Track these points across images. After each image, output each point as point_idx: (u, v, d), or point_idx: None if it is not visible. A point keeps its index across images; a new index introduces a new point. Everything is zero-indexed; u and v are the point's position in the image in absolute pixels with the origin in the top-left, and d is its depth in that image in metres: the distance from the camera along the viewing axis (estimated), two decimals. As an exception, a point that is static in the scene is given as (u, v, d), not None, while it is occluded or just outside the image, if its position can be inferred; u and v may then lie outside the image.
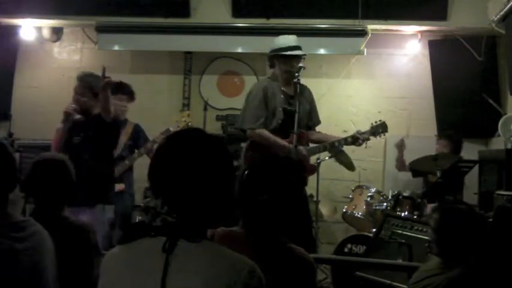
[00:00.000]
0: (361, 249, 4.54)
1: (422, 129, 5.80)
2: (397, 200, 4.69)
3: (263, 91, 4.13)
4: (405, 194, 4.71)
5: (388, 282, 3.27)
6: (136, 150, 4.76)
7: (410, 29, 5.59)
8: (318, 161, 5.02)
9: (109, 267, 1.46)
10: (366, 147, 4.38)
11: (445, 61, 5.63)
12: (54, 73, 6.29)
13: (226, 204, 1.50)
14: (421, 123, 5.85)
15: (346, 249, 4.64)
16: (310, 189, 5.13)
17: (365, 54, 5.54)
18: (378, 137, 4.37)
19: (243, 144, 4.43)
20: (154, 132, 4.82)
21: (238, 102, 6.08)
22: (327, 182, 5.77)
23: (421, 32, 5.63)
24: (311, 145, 4.33)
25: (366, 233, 4.68)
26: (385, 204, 4.76)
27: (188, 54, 6.16)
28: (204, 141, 1.50)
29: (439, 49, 5.68)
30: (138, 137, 4.87)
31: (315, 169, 4.61)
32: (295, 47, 4.10)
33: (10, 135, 5.48)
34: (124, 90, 4.81)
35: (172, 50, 6.06)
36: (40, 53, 6.34)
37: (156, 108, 6.00)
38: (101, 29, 5.73)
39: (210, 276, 1.34)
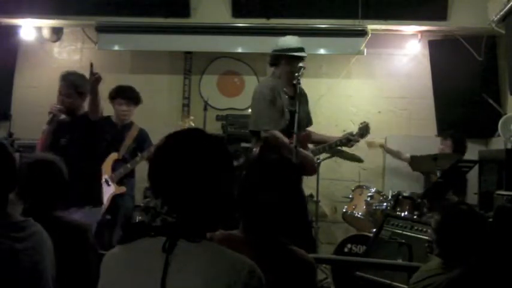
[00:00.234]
0: (361, 249, 4.53)
1: (422, 129, 5.80)
2: (397, 200, 4.69)
3: (272, 91, 4.12)
4: (405, 194, 4.71)
5: (388, 282, 3.27)
6: (139, 154, 4.70)
7: (410, 29, 5.59)
8: (318, 161, 5.03)
9: (109, 267, 1.46)
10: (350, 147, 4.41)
11: (445, 61, 5.63)
12: (54, 73, 6.21)
13: (226, 204, 1.50)
14: (421, 123, 5.85)
15: (346, 249, 4.64)
16: (310, 189, 5.14)
17: (365, 54, 5.55)
18: (364, 139, 4.42)
19: (248, 144, 4.43)
20: (154, 132, 4.81)
21: (238, 102, 6.11)
22: (327, 182, 5.77)
23: (421, 32, 5.63)
24: (311, 146, 4.35)
25: (366, 233, 4.68)
26: (385, 204, 4.76)
27: (188, 54, 6.16)
28: (204, 141, 1.50)
29: (439, 49, 5.68)
30: (143, 140, 4.81)
31: (315, 170, 4.60)
32: (301, 49, 4.13)
33: (10, 135, 5.47)
34: (123, 95, 4.74)
35: (172, 50, 6.06)
36: (40, 53, 6.34)
37: (156, 108, 6.00)
38: (101, 29, 5.73)
39: (210, 276, 1.34)
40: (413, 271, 2.72)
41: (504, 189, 3.57)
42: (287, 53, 4.10)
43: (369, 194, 4.91)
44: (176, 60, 6.20)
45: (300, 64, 4.05)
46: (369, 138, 4.61)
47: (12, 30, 6.01)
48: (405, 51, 5.91)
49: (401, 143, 5.51)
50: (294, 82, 4.01)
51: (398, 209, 4.62)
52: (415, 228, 3.64)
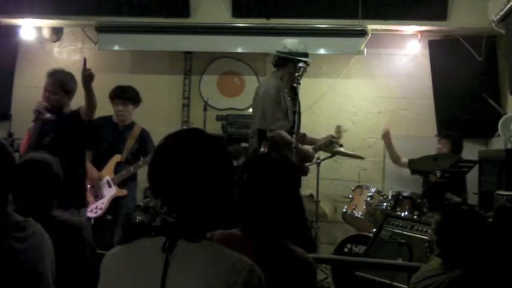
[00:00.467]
0: (361, 249, 4.54)
1: (422, 129, 5.80)
2: (397, 200, 4.70)
3: (278, 91, 4.14)
4: (405, 194, 4.72)
5: (388, 282, 3.27)
6: (142, 158, 4.68)
7: (410, 29, 5.59)
8: (318, 161, 5.04)
9: (109, 267, 1.46)
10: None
11: (445, 61, 5.63)
12: (54, 73, 6.28)
13: (226, 204, 1.50)
14: (421, 123, 5.85)
15: (346, 249, 4.65)
16: (310, 189, 5.15)
17: (365, 54, 5.55)
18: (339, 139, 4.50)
19: (248, 144, 4.44)
20: (154, 132, 4.82)
21: (238, 102, 6.11)
22: (327, 182, 5.77)
23: (421, 32, 5.63)
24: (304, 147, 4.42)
25: (366, 233, 4.68)
26: (385, 204, 4.77)
27: (188, 54, 6.17)
28: (203, 141, 1.50)
29: (439, 49, 5.68)
30: (144, 140, 4.79)
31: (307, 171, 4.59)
32: (307, 54, 4.21)
33: (10, 135, 5.46)
34: (120, 95, 4.72)
35: (172, 50, 6.06)
36: (40, 53, 6.34)
37: (156, 109, 6.00)
38: (101, 29, 5.73)
39: (210, 276, 1.34)
40: (413, 271, 2.72)
41: (504, 189, 3.57)
42: (297, 58, 4.12)
43: (369, 194, 4.92)
44: (176, 60, 6.20)
45: (300, 64, 4.08)
46: (369, 137, 4.60)
47: (12, 30, 6.01)
48: (405, 51, 5.91)
49: (401, 143, 5.50)
50: (295, 85, 4.06)
51: (398, 209, 4.63)
52: (415, 228, 3.64)
